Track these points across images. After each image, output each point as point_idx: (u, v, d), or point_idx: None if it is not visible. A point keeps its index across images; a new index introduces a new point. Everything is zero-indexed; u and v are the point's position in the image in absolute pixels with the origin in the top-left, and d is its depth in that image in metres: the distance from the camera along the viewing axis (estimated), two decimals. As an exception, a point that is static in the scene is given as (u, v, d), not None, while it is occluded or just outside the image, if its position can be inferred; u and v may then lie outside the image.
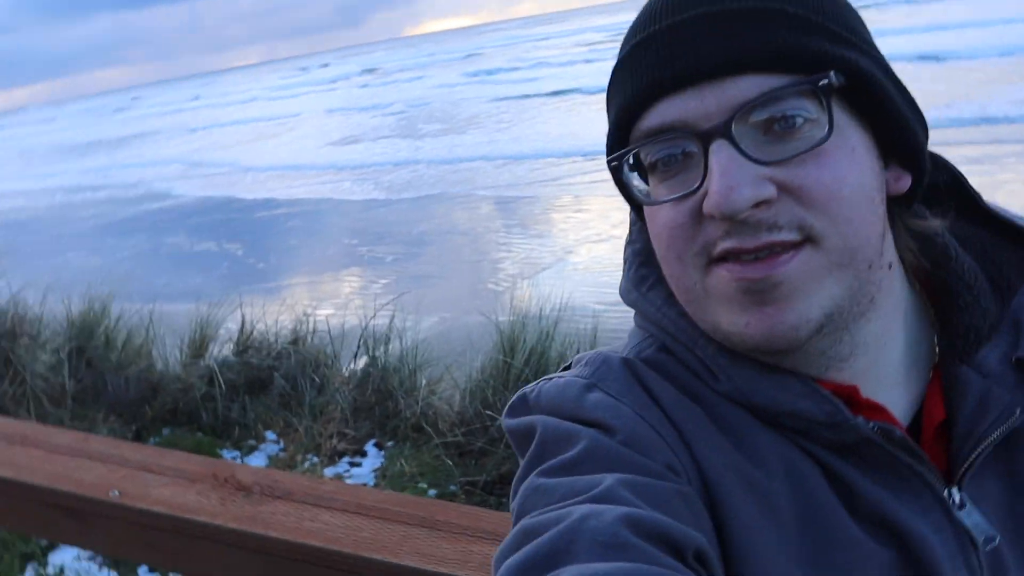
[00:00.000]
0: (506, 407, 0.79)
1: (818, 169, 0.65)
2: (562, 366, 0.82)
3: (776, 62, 0.65)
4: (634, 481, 0.64)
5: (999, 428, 0.70)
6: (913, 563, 0.67)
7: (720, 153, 0.65)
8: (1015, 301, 0.75)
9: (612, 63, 0.75)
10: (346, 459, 4.24)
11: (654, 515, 0.61)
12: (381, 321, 5.09)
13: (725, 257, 0.67)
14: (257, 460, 4.30)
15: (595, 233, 9.53)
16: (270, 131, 27.01)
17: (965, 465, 0.70)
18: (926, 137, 0.74)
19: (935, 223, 0.76)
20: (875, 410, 0.71)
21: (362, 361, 4.78)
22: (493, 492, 3.78)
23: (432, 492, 3.84)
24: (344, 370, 4.84)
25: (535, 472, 0.69)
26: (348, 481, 4.04)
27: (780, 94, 0.65)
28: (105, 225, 14.91)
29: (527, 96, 24.04)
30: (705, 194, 0.66)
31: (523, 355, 4.24)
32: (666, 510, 0.63)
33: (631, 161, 0.72)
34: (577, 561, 0.56)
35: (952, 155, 0.80)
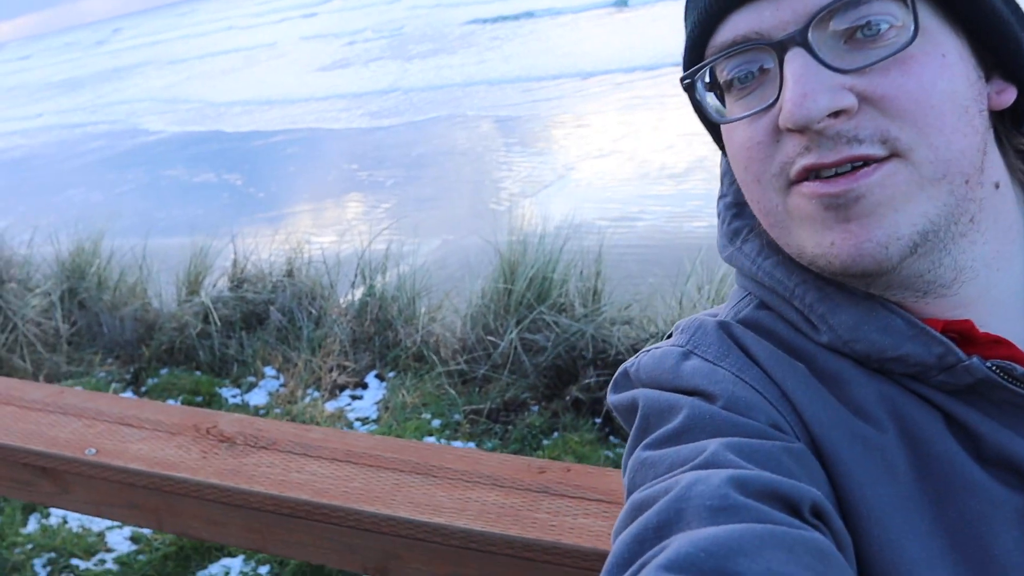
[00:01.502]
0: (610, 383, 0.80)
1: (903, 76, 0.60)
2: (664, 336, 0.81)
3: None
4: (739, 444, 0.63)
5: None
6: None
7: (795, 62, 0.61)
8: None
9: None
10: (347, 392, 4.17)
11: (762, 474, 0.60)
12: (379, 247, 4.97)
13: (805, 176, 0.63)
14: (258, 397, 4.25)
15: (596, 149, 9.34)
16: (256, 59, 26.34)
17: None
18: None
19: None
20: (996, 344, 0.65)
21: (359, 291, 4.68)
22: (498, 420, 3.72)
23: (436, 422, 3.78)
24: (341, 300, 4.74)
25: (640, 446, 0.69)
26: (350, 415, 3.99)
27: None
28: (99, 161, 14.68)
29: (503, 18, 23.44)
30: (781, 108, 0.62)
31: (525, 280, 4.12)
32: (775, 468, 0.61)
33: (707, 79, 0.70)
34: (688, 528, 0.56)
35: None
